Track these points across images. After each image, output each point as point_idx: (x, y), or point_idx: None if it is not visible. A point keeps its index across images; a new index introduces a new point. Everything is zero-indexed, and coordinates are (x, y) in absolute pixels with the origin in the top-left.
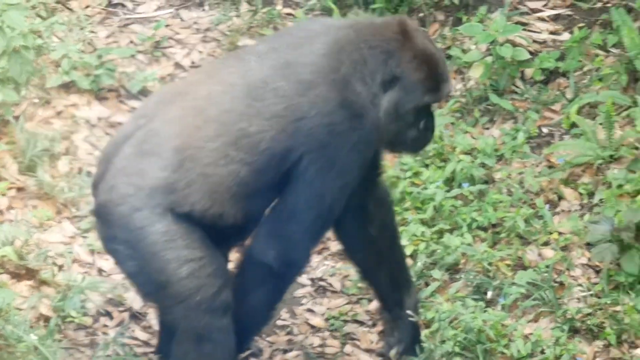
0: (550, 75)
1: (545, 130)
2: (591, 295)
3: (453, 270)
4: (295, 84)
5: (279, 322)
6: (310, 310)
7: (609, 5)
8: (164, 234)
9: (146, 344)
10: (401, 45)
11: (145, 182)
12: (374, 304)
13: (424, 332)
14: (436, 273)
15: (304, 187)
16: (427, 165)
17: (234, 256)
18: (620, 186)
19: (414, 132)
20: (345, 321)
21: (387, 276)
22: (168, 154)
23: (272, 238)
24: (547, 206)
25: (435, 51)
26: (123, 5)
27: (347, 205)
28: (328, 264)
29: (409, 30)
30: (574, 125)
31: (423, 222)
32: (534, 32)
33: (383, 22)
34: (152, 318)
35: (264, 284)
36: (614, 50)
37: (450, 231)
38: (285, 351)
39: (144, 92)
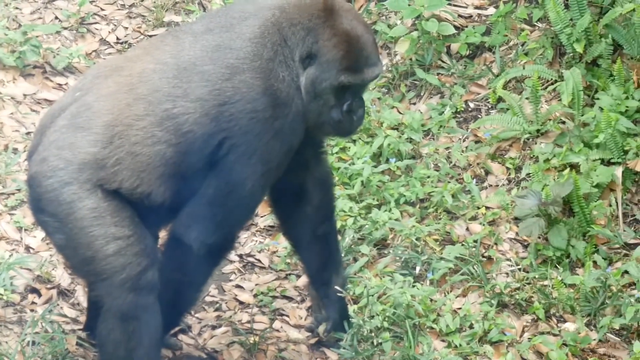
0: (476, 50)
1: (471, 105)
2: (519, 269)
3: (381, 245)
4: (221, 69)
5: (208, 299)
6: (238, 287)
7: None
8: (93, 210)
9: (75, 321)
10: (322, 22)
11: (75, 157)
12: (303, 280)
13: (352, 308)
14: (364, 248)
15: (225, 172)
16: (354, 141)
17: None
18: (547, 160)
19: (337, 114)
20: (274, 297)
21: (318, 255)
22: (99, 130)
23: (194, 220)
24: (475, 181)
25: (362, 33)
26: None
27: (286, 182)
28: (256, 240)
29: (335, 8)
30: (500, 99)
31: (351, 198)
32: (460, 6)
33: (311, 0)
34: (80, 295)
35: (187, 265)
36: (539, 24)
37: (378, 206)
38: (214, 327)
39: (69, 69)
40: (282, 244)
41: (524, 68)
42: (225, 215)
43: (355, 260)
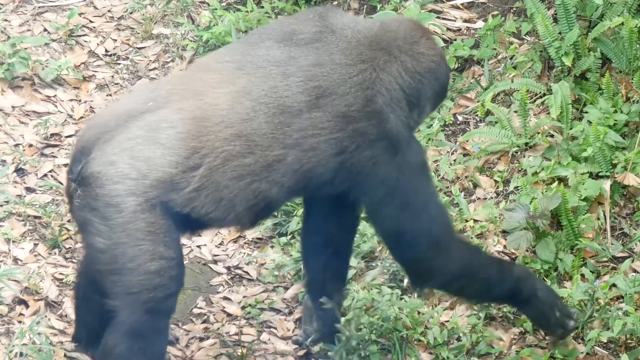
0: (465, 63)
1: (460, 118)
2: None
3: (369, 258)
4: (332, 117)
5: (195, 310)
6: (226, 299)
7: None
8: (150, 224)
9: (62, 332)
10: (441, 58)
11: (150, 172)
12: (291, 292)
13: (340, 320)
14: (352, 261)
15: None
16: None
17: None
18: (535, 174)
19: None
20: (262, 309)
21: (326, 267)
22: (182, 152)
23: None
24: (463, 194)
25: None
26: None
27: (325, 191)
28: (244, 252)
29: (433, 38)
30: (488, 113)
31: None
32: (448, 20)
33: (411, 36)
34: (68, 307)
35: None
36: (528, 38)
37: (366, 219)
38: (201, 339)
39: (58, 81)
40: (270, 256)
41: (512, 81)
42: (437, 245)
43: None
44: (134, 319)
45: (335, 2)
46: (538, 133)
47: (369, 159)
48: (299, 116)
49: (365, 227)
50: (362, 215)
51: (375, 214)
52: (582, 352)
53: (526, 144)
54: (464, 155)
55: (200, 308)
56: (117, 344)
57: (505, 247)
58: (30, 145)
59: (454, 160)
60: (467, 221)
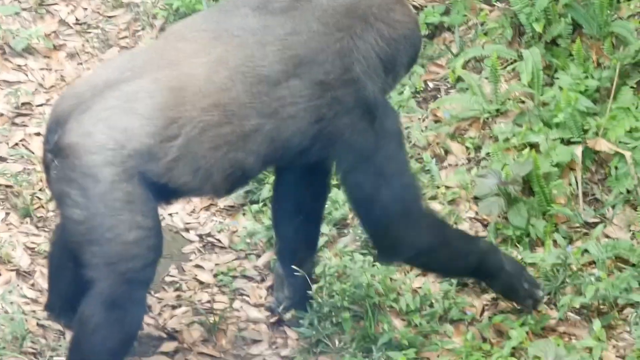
0: (436, 30)
1: (431, 84)
2: None
3: (341, 225)
4: (310, 85)
5: (168, 279)
6: (198, 267)
7: None
8: (128, 194)
9: (34, 301)
10: (415, 25)
11: (128, 142)
12: (263, 260)
13: (313, 287)
14: (324, 228)
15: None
16: None
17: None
18: (506, 140)
19: None
20: (234, 277)
21: (297, 234)
22: (159, 123)
23: (388, 243)
24: (434, 160)
25: None
26: None
27: (296, 159)
28: (216, 220)
29: (408, 5)
30: (459, 79)
31: None
32: None
33: (386, 3)
34: (40, 276)
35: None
36: (498, 4)
37: (338, 186)
38: (174, 307)
39: (28, 50)
40: (242, 223)
41: (483, 48)
42: (404, 218)
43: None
44: (112, 290)
45: None
46: (509, 99)
47: (347, 126)
48: (277, 85)
49: (337, 195)
50: (334, 182)
51: (348, 181)
52: (554, 318)
53: (497, 110)
54: (435, 122)
55: (173, 276)
56: (93, 314)
57: (477, 213)
58: (1, 115)
59: (425, 127)
60: (438, 188)
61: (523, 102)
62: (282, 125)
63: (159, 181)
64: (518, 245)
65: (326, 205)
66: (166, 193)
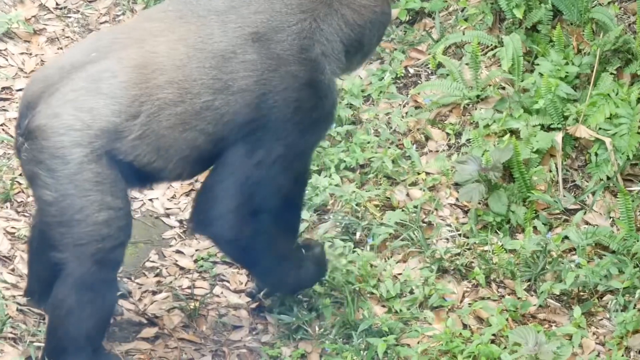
0: (416, 16)
1: (411, 70)
2: (459, 235)
3: (322, 211)
4: (267, 59)
5: (148, 264)
6: (179, 252)
7: None
8: (97, 174)
9: (14, 286)
10: (383, 9)
11: (94, 122)
12: None
13: None
14: (305, 214)
15: (251, 157)
16: None
17: None
18: (487, 126)
19: None
20: (215, 262)
21: (279, 221)
22: (123, 101)
23: (216, 212)
24: (415, 146)
25: None
26: None
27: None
28: None
29: None
30: (440, 65)
31: None
32: None
33: None
34: (20, 261)
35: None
36: None
37: (319, 172)
38: (154, 293)
39: (8, 34)
40: None
41: (463, 34)
42: (245, 201)
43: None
44: (82, 271)
45: None
46: (489, 85)
47: (293, 100)
48: (231, 60)
49: (317, 180)
50: (314, 168)
51: (244, 142)
52: (534, 305)
53: (478, 96)
54: (416, 108)
55: (153, 262)
56: (66, 296)
57: (457, 199)
58: None
59: (406, 113)
60: (419, 174)
61: (503, 88)
62: (231, 100)
63: (125, 159)
64: (498, 231)
65: (306, 191)
66: (136, 176)
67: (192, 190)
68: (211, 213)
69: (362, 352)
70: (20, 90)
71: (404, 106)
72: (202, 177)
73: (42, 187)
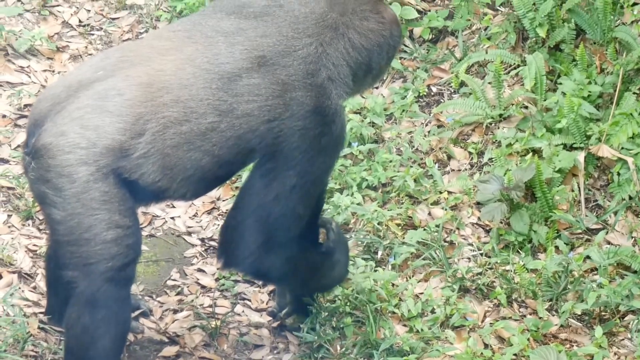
0: (439, 34)
1: (434, 89)
2: (481, 254)
3: (343, 230)
4: (272, 84)
5: (170, 282)
6: (200, 270)
7: None
8: (104, 193)
9: (36, 304)
10: (391, 33)
11: (100, 140)
12: None
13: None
14: None
15: (269, 189)
16: None
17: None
18: (509, 145)
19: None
20: (236, 281)
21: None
22: (129, 119)
23: (238, 242)
24: (437, 165)
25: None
26: None
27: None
28: (218, 223)
29: (388, 13)
30: (463, 84)
31: None
32: None
33: (361, 11)
34: (41, 279)
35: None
36: (502, 8)
37: (340, 190)
38: (175, 311)
39: (31, 51)
40: None
41: (486, 52)
42: (269, 235)
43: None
44: (94, 290)
45: None
46: (512, 104)
47: (299, 128)
48: (237, 82)
49: (339, 199)
50: (336, 186)
51: (258, 173)
52: (556, 325)
53: (500, 115)
54: (438, 126)
55: (174, 280)
56: (80, 315)
57: (479, 218)
58: (4, 116)
59: (428, 132)
60: (441, 193)
61: (526, 107)
62: (236, 123)
63: (131, 178)
64: (520, 251)
65: (328, 210)
66: (143, 194)
67: (213, 208)
68: (237, 252)
69: None
70: None
71: (427, 125)
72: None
73: (50, 206)
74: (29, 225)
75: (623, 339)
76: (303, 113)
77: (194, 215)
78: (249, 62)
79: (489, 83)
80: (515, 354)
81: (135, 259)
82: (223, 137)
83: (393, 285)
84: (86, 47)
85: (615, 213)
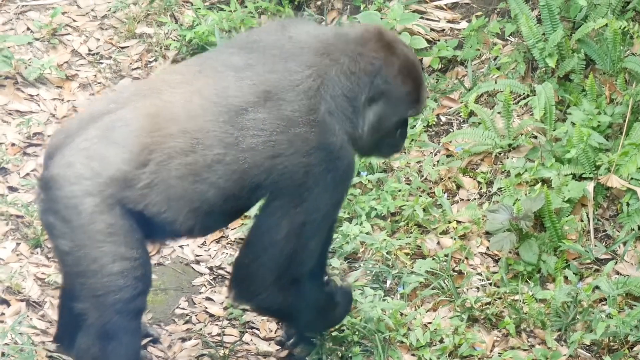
0: (449, 64)
1: (443, 118)
2: (490, 284)
3: (352, 259)
4: (275, 119)
5: (178, 311)
6: (209, 299)
7: None
8: (110, 225)
9: (44, 332)
10: (385, 60)
11: (104, 170)
12: None
13: None
14: (335, 262)
15: (279, 226)
16: None
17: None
18: (518, 175)
19: (391, 140)
20: (244, 310)
21: None
22: (134, 149)
23: (251, 283)
24: (446, 195)
25: (416, 60)
26: None
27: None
28: (227, 252)
29: (391, 42)
30: (472, 113)
31: None
32: (432, 20)
33: (357, 38)
34: (49, 307)
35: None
36: (511, 38)
37: (349, 220)
38: (183, 340)
39: (41, 80)
40: None
41: (496, 82)
42: (280, 273)
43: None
44: (103, 321)
45: (319, 2)
46: (521, 134)
47: (303, 165)
48: (243, 116)
49: (348, 228)
50: (345, 215)
51: (268, 213)
52: (564, 355)
53: (509, 145)
54: (447, 156)
55: (183, 309)
56: (90, 346)
57: (488, 248)
58: (13, 145)
59: (437, 161)
60: (450, 222)
61: (535, 137)
62: (241, 157)
63: (136, 208)
64: (529, 281)
65: (337, 239)
66: (152, 227)
67: (222, 237)
68: (250, 288)
69: None
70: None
71: (436, 154)
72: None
73: (58, 236)
74: (37, 253)
75: None
76: (306, 149)
77: (203, 244)
78: (256, 96)
79: (499, 113)
80: None
81: (144, 290)
82: (228, 170)
83: (401, 314)
84: (95, 75)
85: (625, 243)
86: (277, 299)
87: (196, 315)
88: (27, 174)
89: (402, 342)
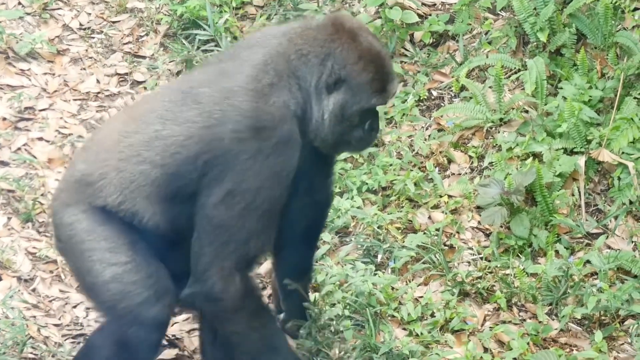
0: (440, 39)
1: (434, 93)
2: (481, 258)
3: (343, 233)
4: (215, 92)
5: None
6: None
7: None
8: (89, 232)
9: (35, 307)
10: (343, 45)
11: (71, 176)
12: (264, 267)
13: (313, 296)
14: (326, 236)
15: (211, 204)
16: None
17: None
18: (510, 149)
19: (359, 132)
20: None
21: (294, 254)
22: (91, 146)
23: (199, 267)
24: (437, 169)
25: (381, 49)
26: None
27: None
28: None
29: (352, 29)
30: (463, 88)
31: None
32: None
33: (317, 25)
34: (40, 282)
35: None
36: (503, 13)
37: (340, 194)
38: (174, 314)
39: (32, 54)
40: None
41: (487, 57)
42: (220, 253)
43: (317, 247)
44: (121, 332)
45: None
46: (513, 109)
47: (232, 132)
48: (187, 93)
49: (338, 202)
50: (336, 190)
51: (206, 194)
52: (555, 329)
53: (501, 119)
54: (439, 130)
55: None
56: (101, 347)
57: (479, 222)
58: (4, 119)
59: (429, 136)
60: (441, 197)
61: (526, 111)
62: (177, 130)
63: (98, 204)
64: (520, 255)
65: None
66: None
67: None
68: (197, 277)
69: None
70: (43, 110)
71: (427, 129)
72: None
73: (66, 258)
74: (28, 227)
75: (623, 344)
76: (237, 117)
77: None
78: (208, 77)
79: (490, 87)
80: (515, 358)
81: (153, 297)
82: (165, 145)
83: (393, 288)
84: (86, 50)
85: (616, 217)
86: (219, 287)
87: None
88: (19, 149)
89: (393, 316)
